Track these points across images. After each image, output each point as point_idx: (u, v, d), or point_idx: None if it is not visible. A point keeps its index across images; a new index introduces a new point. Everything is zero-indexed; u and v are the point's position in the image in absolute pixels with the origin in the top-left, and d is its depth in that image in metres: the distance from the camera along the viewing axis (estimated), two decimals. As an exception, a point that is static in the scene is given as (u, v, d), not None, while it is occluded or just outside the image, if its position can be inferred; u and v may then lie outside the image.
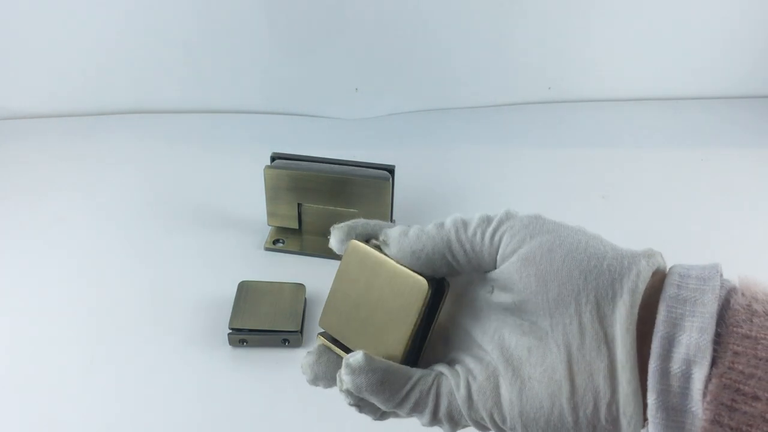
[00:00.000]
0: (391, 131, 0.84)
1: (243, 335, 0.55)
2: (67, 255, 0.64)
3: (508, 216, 0.31)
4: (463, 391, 0.30)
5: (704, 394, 0.26)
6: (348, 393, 0.32)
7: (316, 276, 0.61)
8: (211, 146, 0.80)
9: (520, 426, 0.29)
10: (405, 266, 0.33)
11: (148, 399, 0.52)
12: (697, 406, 0.26)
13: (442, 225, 0.32)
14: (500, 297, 0.31)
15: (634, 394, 0.27)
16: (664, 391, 0.26)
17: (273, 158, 0.64)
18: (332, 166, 0.63)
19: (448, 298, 0.34)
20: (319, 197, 0.63)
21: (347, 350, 0.34)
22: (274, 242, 0.66)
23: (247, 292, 0.58)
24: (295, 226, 0.66)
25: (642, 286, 0.28)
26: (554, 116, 0.87)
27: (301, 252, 0.65)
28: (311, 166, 0.63)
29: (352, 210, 0.64)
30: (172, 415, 0.51)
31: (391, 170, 0.62)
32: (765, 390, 0.25)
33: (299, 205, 0.64)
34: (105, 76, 0.82)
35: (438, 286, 0.33)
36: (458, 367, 0.31)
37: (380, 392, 0.31)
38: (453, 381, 0.31)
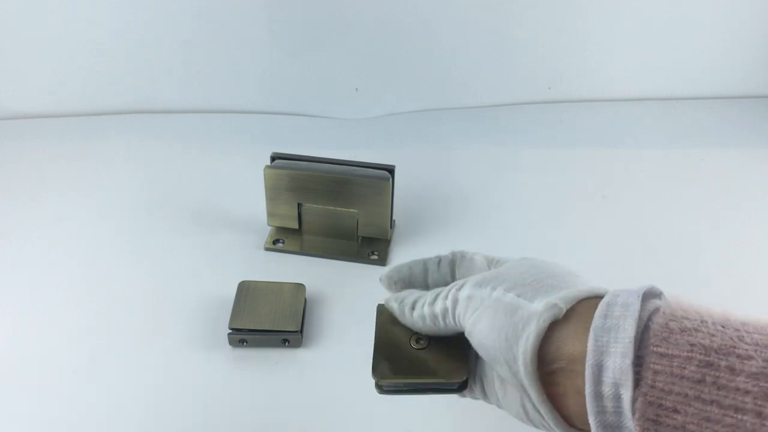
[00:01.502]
0: (391, 131, 0.84)
1: (243, 335, 0.55)
2: (67, 255, 0.64)
3: (453, 304, 0.38)
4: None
5: (633, 412, 0.29)
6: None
7: (316, 276, 0.61)
8: (211, 146, 0.80)
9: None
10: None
11: (147, 399, 0.52)
12: (630, 422, 0.29)
13: (424, 320, 0.40)
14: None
15: (557, 423, 0.33)
16: (601, 412, 0.30)
17: (273, 158, 0.64)
18: (332, 166, 0.63)
19: None
20: (319, 197, 0.63)
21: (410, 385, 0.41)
22: (274, 242, 0.66)
23: (247, 292, 0.58)
24: (295, 226, 0.66)
25: (531, 347, 0.32)
26: (554, 116, 0.87)
27: (301, 252, 0.65)
28: (311, 166, 0.63)
29: (352, 210, 0.64)
30: (171, 415, 0.51)
31: (391, 170, 0.62)
32: (683, 404, 0.28)
33: (299, 205, 0.64)
34: (105, 76, 0.82)
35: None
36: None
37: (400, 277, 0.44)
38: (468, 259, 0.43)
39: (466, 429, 0.50)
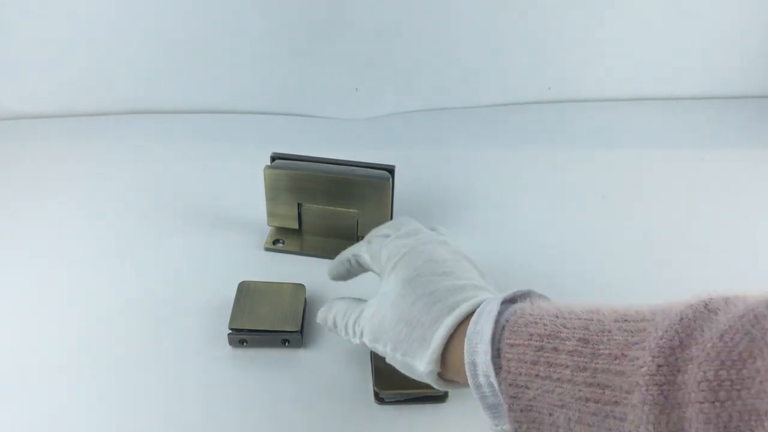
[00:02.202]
0: (391, 131, 0.84)
1: (243, 335, 0.55)
2: (67, 255, 0.64)
3: (373, 258, 0.50)
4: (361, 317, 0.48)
5: (501, 392, 0.36)
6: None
7: (316, 276, 0.61)
8: (211, 146, 0.80)
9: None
10: None
11: (147, 400, 0.52)
12: (503, 401, 0.37)
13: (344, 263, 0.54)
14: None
15: (435, 382, 0.42)
16: (482, 397, 0.38)
17: (273, 158, 0.64)
18: (332, 166, 0.63)
19: None
20: (319, 197, 0.63)
21: None
22: (274, 242, 0.66)
23: (247, 292, 0.58)
24: (295, 226, 0.66)
25: (435, 356, 0.40)
26: (554, 116, 0.87)
27: (301, 252, 0.65)
28: (311, 166, 0.63)
29: (352, 210, 0.64)
30: (172, 415, 0.51)
31: (391, 170, 0.62)
32: (529, 381, 0.35)
33: (299, 205, 0.64)
34: (105, 76, 0.82)
35: None
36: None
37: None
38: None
39: (461, 427, 0.50)
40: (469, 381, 0.38)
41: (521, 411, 0.36)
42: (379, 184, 0.61)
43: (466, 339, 0.38)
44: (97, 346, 0.56)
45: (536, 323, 0.36)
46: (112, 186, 0.73)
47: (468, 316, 0.40)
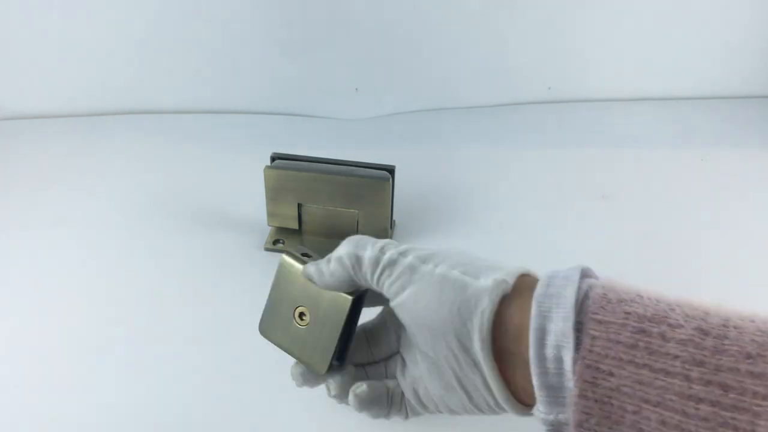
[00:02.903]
0: (391, 131, 0.84)
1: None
2: (67, 255, 0.64)
3: (390, 263, 0.38)
4: (413, 400, 0.42)
5: (573, 373, 0.31)
6: (336, 399, 0.43)
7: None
8: (211, 146, 0.80)
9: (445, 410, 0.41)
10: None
11: (147, 401, 0.52)
12: (570, 383, 0.31)
13: (340, 261, 0.40)
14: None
15: (507, 399, 0.36)
16: (543, 373, 0.32)
17: (273, 158, 0.64)
18: (332, 166, 0.63)
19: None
20: (319, 197, 0.63)
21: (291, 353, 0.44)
22: (274, 243, 0.66)
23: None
24: (295, 226, 0.66)
25: (488, 319, 0.34)
26: (554, 116, 0.87)
27: (301, 252, 0.65)
28: (311, 167, 0.63)
29: (352, 210, 0.64)
30: (171, 416, 0.51)
31: (391, 170, 0.62)
32: (617, 367, 0.30)
33: (299, 205, 0.64)
34: (105, 76, 0.82)
35: (358, 297, 0.41)
36: (406, 373, 0.42)
37: (370, 410, 0.42)
38: (404, 390, 0.42)
39: (461, 427, 0.50)
40: (531, 350, 0.32)
41: (596, 401, 0.30)
42: (379, 184, 0.61)
43: (534, 300, 0.33)
44: (96, 346, 0.56)
45: (634, 302, 0.31)
46: (111, 186, 0.73)
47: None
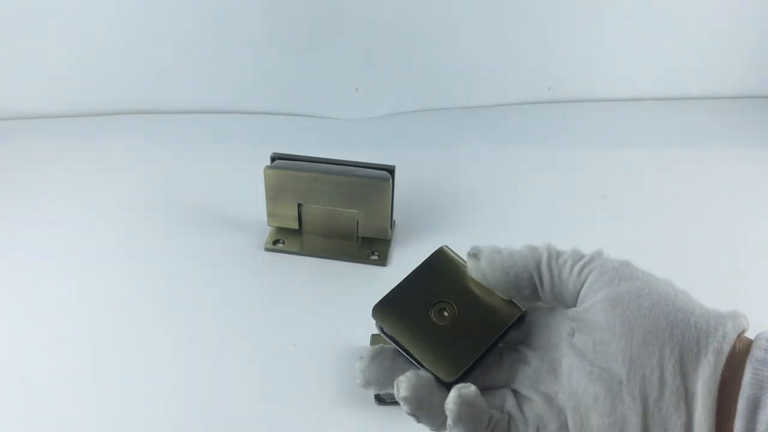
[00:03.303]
0: (391, 131, 0.84)
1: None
2: (67, 255, 0.64)
3: (599, 255, 0.32)
4: None
5: None
6: (406, 402, 0.32)
7: (316, 276, 0.61)
8: (211, 146, 0.80)
9: None
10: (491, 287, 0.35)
11: (147, 401, 0.52)
12: None
13: (535, 247, 0.33)
14: (579, 339, 0.31)
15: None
16: None
17: (273, 158, 0.64)
18: (332, 166, 0.63)
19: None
20: (319, 197, 0.63)
21: (403, 348, 0.35)
22: (274, 243, 0.66)
23: None
24: (295, 226, 0.66)
25: (727, 348, 0.28)
26: (554, 116, 0.87)
27: (301, 252, 0.65)
28: (311, 167, 0.63)
29: (352, 210, 0.64)
30: (171, 416, 0.51)
31: (391, 170, 0.62)
32: None
33: (299, 205, 0.64)
34: (105, 76, 0.82)
35: (525, 314, 0.35)
36: (527, 410, 0.32)
37: (466, 424, 0.31)
38: (522, 428, 0.31)
39: None
40: (739, 423, 0.27)
41: None
42: (379, 184, 0.61)
43: (749, 364, 0.27)
44: (96, 346, 0.56)
45: None
46: (112, 186, 0.73)
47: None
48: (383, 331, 0.36)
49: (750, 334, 0.30)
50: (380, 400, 0.51)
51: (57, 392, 0.52)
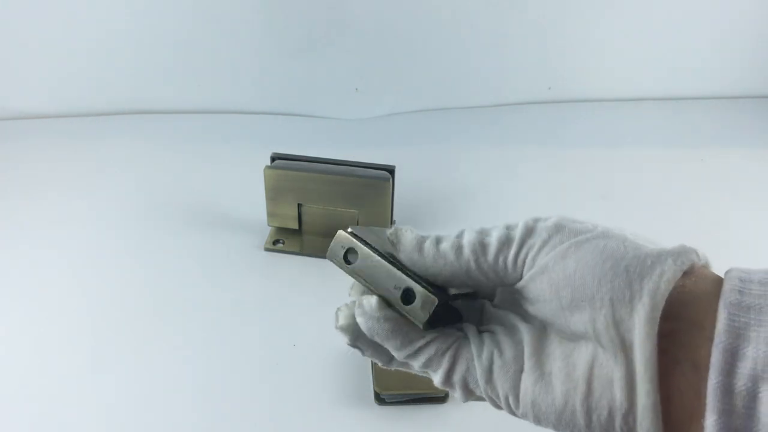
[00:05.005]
0: (391, 131, 0.84)
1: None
2: (67, 255, 0.64)
3: (527, 232, 0.28)
4: (485, 362, 0.28)
5: None
6: (345, 331, 0.30)
7: (316, 276, 0.61)
8: (211, 146, 0.80)
9: (531, 416, 0.27)
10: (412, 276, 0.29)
11: (147, 402, 0.52)
12: (766, 429, 0.23)
13: (460, 250, 0.29)
14: (530, 311, 0.29)
15: (653, 407, 0.24)
16: (727, 411, 0.23)
17: (273, 158, 0.64)
18: (332, 166, 0.63)
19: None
20: (319, 197, 0.63)
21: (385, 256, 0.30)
22: (274, 243, 0.66)
23: None
24: (295, 226, 0.66)
25: (666, 287, 0.25)
26: (554, 116, 0.87)
27: (301, 252, 0.65)
28: (311, 167, 0.63)
29: (351, 210, 0.64)
30: (171, 415, 0.51)
31: (391, 170, 0.62)
32: None
33: (299, 205, 0.64)
34: (105, 76, 0.82)
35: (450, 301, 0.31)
36: (486, 336, 0.29)
37: (392, 339, 0.29)
38: (476, 349, 0.29)
39: (461, 428, 0.50)
40: (713, 376, 0.23)
41: None
42: (379, 184, 0.61)
43: (722, 307, 0.24)
44: (96, 346, 0.56)
45: None
46: (112, 186, 0.73)
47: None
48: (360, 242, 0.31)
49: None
50: (380, 400, 0.51)
51: (57, 392, 0.52)
